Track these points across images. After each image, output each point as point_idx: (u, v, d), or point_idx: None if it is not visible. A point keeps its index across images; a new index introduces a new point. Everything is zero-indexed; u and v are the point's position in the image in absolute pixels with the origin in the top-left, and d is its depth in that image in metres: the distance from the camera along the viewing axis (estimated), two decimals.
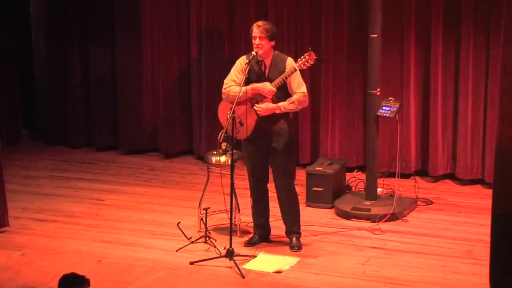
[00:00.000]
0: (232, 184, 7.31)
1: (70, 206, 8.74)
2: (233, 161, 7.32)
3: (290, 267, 7.22)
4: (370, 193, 8.47)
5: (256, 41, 7.32)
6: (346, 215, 8.35)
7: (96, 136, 10.79)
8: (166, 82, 10.35)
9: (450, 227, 8.13)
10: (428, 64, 9.28)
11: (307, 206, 8.59)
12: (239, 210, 7.81)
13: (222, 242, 7.48)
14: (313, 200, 8.64)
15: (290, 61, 7.38)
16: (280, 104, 7.34)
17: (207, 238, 7.64)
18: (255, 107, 7.35)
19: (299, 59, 7.37)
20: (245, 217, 7.94)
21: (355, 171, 9.53)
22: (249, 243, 7.64)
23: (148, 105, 10.49)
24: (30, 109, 11.41)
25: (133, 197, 9.02)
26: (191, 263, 7.25)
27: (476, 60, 9.07)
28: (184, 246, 7.59)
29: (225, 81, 7.51)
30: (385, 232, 7.98)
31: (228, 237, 7.32)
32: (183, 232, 7.71)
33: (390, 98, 8.42)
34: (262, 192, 7.65)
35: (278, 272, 7.13)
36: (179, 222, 7.82)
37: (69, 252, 7.48)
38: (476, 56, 9.06)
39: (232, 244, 7.26)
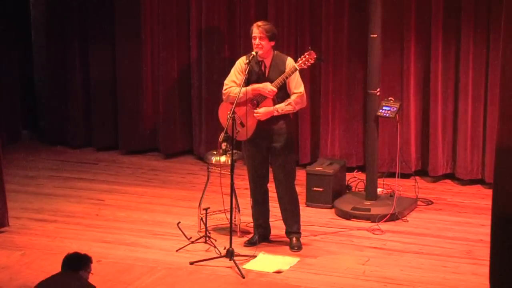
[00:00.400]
0: (232, 184, 7.31)
1: (70, 206, 8.74)
2: (233, 161, 7.32)
3: (290, 267, 7.22)
4: (370, 193, 8.47)
5: (256, 41, 7.32)
6: (346, 215, 8.35)
7: (96, 136, 10.79)
8: (166, 82, 10.35)
9: (450, 227, 8.13)
10: (428, 64, 9.28)
11: (307, 206, 8.59)
12: (239, 210, 7.82)
13: (222, 242, 7.48)
14: (313, 200, 8.64)
15: (290, 61, 7.38)
16: (277, 106, 7.34)
17: (207, 238, 7.64)
18: (254, 113, 7.35)
19: (299, 59, 7.37)
20: (245, 217, 7.94)
21: (355, 171, 9.53)
22: (249, 243, 7.64)
23: (148, 105, 10.49)
24: (30, 109, 11.41)
25: (133, 197, 9.02)
26: (191, 263, 7.25)
27: (476, 60, 9.07)
28: (184, 246, 7.59)
29: (225, 81, 7.50)
30: (385, 232, 7.98)
31: (228, 237, 7.32)
32: (183, 232, 7.71)
33: (390, 98, 8.42)
34: (262, 192, 7.65)
35: (278, 272, 7.13)
36: (179, 222, 7.82)
37: None
38: (476, 56, 9.06)
39: (232, 244, 7.26)
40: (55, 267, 6.99)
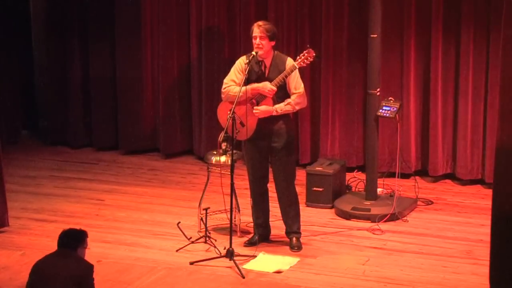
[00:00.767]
0: (232, 184, 7.31)
1: (70, 206, 8.74)
2: (233, 161, 7.32)
3: (290, 267, 7.22)
4: (370, 193, 8.47)
5: (256, 41, 7.32)
6: (346, 215, 8.35)
7: (96, 136, 10.79)
8: (166, 82, 10.35)
9: (450, 227, 8.13)
10: (428, 64, 9.28)
11: (307, 206, 8.59)
12: (239, 210, 7.81)
13: (222, 242, 7.48)
14: (313, 200, 8.64)
15: (290, 61, 7.38)
16: (277, 106, 7.34)
17: (207, 238, 7.64)
18: (253, 110, 7.35)
19: (298, 57, 7.37)
20: (245, 217, 7.94)
21: (355, 171, 9.53)
22: (249, 243, 7.64)
23: (148, 105, 10.49)
24: (30, 109, 11.41)
25: (133, 197, 9.02)
26: (191, 263, 7.25)
27: (476, 60, 9.07)
28: (184, 246, 7.59)
29: (225, 80, 7.51)
30: (385, 232, 7.98)
31: (228, 237, 7.32)
32: (183, 232, 7.71)
33: (390, 98, 8.42)
34: (262, 192, 7.65)
35: (278, 272, 7.13)
36: (179, 222, 7.82)
37: None
38: (476, 56, 9.06)
39: (232, 244, 7.26)
40: None
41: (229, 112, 7.22)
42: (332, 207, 8.57)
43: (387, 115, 8.27)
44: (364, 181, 8.73)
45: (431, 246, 7.66)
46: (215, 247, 7.44)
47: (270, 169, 7.64)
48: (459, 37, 9.11)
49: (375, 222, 8.14)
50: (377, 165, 8.64)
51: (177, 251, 7.54)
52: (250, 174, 7.62)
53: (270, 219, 7.80)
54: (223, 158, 7.80)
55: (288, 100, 7.36)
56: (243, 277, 6.99)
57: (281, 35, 9.24)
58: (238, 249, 7.42)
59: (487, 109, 9.10)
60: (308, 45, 7.44)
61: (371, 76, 8.38)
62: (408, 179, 9.26)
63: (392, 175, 8.88)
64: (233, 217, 7.46)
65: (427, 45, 9.25)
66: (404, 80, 9.37)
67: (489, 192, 6.77)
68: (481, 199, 8.83)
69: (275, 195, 7.65)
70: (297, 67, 7.29)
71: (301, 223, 7.69)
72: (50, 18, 10.84)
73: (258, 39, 7.31)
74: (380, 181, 8.70)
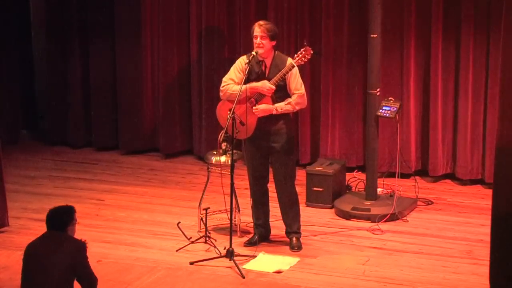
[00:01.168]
0: (232, 184, 7.31)
1: None
2: (233, 161, 7.32)
3: (290, 267, 7.22)
4: (370, 193, 8.47)
5: (257, 41, 7.32)
6: (346, 215, 8.35)
7: (96, 136, 10.79)
8: (166, 82, 10.35)
9: (450, 227, 8.13)
10: (428, 64, 9.28)
11: (307, 206, 8.59)
12: (239, 210, 7.81)
13: (222, 242, 7.48)
14: (313, 200, 8.64)
15: (290, 61, 7.37)
16: (277, 105, 7.34)
17: (207, 238, 7.64)
18: (253, 109, 7.35)
19: (295, 55, 7.36)
20: (245, 217, 7.93)
21: (355, 171, 9.53)
22: (249, 243, 7.64)
23: (148, 105, 10.49)
24: (30, 109, 11.41)
25: (133, 197, 9.02)
26: (191, 263, 7.25)
27: (476, 60, 9.07)
28: (184, 246, 7.59)
29: (224, 79, 7.51)
30: (385, 232, 7.98)
31: (228, 237, 7.32)
32: (183, 232, 7.71)
33: (390, 98, 8.42)
34: (262, 192, 7.65)
35: (278, 272, 7.13)
36: (179, 222, 7.82)
37: None
38: (476, 56, 9.06)
39: (232, 244, 7.25)
40: None
41: (229, 112, 7.22)
42: (332, 207, 8.57)
43: (387, 115, 8.27)
44: (364, 181, 8.73)
45: (431, 246, 7.66)
46: (215, 247, 7.44)
47: (270, 169, 7.64)
48: (459, 37, 9.11)
49: (375, 222, 8.14)
50: (377, 165, 8.64)
51: (177, 251, 7.54)
52: (250, 174, 7.62)
53: (270, 219, 7.80)
54: (223, 158, 7.80)
55: (289, 100, 7.36)
56: (243, 277, 6.99)
57: (281, 34, 9.23)
58: (238, 249, 7.42)
59: (487, 109, 9.10)
60: (305, 43, 7.44)
61: (371, 76, 8.38)
62: (408, 179, 9.26)
63: (392, 175, 8.88)
64: (233, 217, 7.46)
65: (427, 45, 9.25)
66: (404, 80, 9.37)
67: (489, 192, 6.77)
68: (481, 199, 8.83)
69: (275, 195, 7.65)
70: (295, 65, 7.29)
71: (301, 223, 7.69)
72: (50, 18, 10.83)
73: (259, 38, 7.31)
74: (380, 181, 8.69)
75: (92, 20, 10.57)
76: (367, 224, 8.14)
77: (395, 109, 8.28)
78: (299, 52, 7.35)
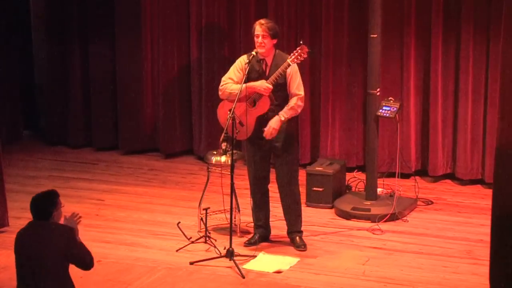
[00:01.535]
0: (232, 184, 7.31)
1: (70, 206, 8.69)
2: (233, 161, 7.32)
3: (290, 267, 7.22)
4: (370, 193, 8.47)
5: (258, 39, 7.31)
6: (346, 215, 8.35)
7: (96, 136, 10.79)
8: (166, 82, 10.35)
9: (450, 227, 8.13)
10: (428, 64, 9.28)
11: (307, 206, 8.58)
12: (239, 210, 7.81)
13: (222, 242, 7.48)
14: (313, 200, 8.64)
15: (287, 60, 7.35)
16: (281, 113, 7.29)
17: (207, 238, 7.64)
18: (264, 133, 7.32)
19: (292, 54, 7.33)
20: (245, 217, 7.93)
21: (355, 171, 9.53)
22: (249, 243, 7.63)
23: (148, 105, 10.49)
24: (30, 109, 11.41)
25: (133, 197, 9.02)
26: (191, 263, 7.25)
27: (476, 60, 9.07)
28: (184, 246, 7.59)
29: (223, 78, 7.50)
30: (385, 232, 7.98)
31: (228, 237, 7.32)
32: (183, 232, 7.71)
33: (390, 98, 8.42)
34: (263, 193, 7.64)
35: (278, 272, 7.13)
36: (179, 222, 7.82)
37: None
38: (476, 56, 9.06)
39: (232, 244, 7.25)
40: None
41: (229, 112, 7.22)
42: (332, 207, 8.57)
43: (387, 115, 8.27)
44: (364, 181, 8.73)
45: (431, 246, 7.66)
46: (215, 247, 7.44)
47: (272, 170, 7.63)
48: (459, 37, 9.11)
49: (375, 222, 8.14)
50: (377, 165, 8.63)
51: (177, 251, 7.54)
52: (251, 175, 7.61)
53: (270, 219, 7.79)
54: (223, 158, 7.80)
55: (291, 104, 7.33)
56: (243, 277, 6.99)
57: (281, 34, 9.19)
58: (238, 249, 7.42)
59: (487, 109, 9.10)
60: (301, 41, 7.41)
61: (371, 76, 8.37)
62: (408, 179, 9.26)
63: (392, 175, 8.87)
64: (233, 217, 7.46)
65: (427, 45, 9.25)
66: (404, 80, 9.37)
67: (489, 192, 6.77)
68: (481, 199, 8.82)
69: (275, 195, 7.65)
70: (291, 64, 7.26)
71: (302, 222, 7.68)
72: (50, 18, 10.84)
73: (260, 37, 7.30)
74: (380, 181, 8.69)
75: (92, 20, 10.57)
76: (367, 224, 8.14)
77: (395, 109, 8.28)
78: (295, 51, 7.32)
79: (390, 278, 7.00)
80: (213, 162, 7.88)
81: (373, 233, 7.98)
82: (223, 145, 7.73)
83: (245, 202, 7.99)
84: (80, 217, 5.73)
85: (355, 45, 9.45)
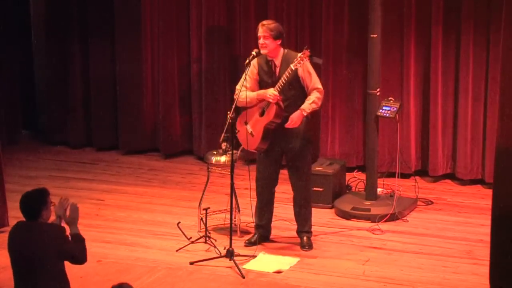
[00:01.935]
0: (232, 184, 7.31)
1: None
2: (233, 161, 7.32)
3: (290, 267, 7.22)
4: (370, 193, 8.47)
5: (260, 41, 7.30)
6: (346, 215, 8.35)
7: (96, 136, 10.79)
8: (166, 82, 10.35)
9: (450, 227, 8.13)
10: (428, 64, 9.28)
11: None
12: (239, 210, 7.81)
13: (222, 242, 7.48)
14: (313, 200, 8.57)
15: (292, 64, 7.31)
16: (303, 107, 7.24)
17: (207, 238, 7.64)
18: (286, 125, 7.29)
19: (295, 59, 7.27)
20: (245, 217, 7.93)
21: (355, 171, 9.53)
22: (250, 243, 7.63)
23: (148, 105, 10.49)
24: (30, 109, 11.41)
25: (133, 197, 9.02)
26: (191, 263, 7.25)
27: (476, 60, 9.07)
28: (184, 246, 7.59)
29: (237, 86, 7.47)
30: (385, 232, 7.98)
31: (228, 237, 7.32)
32: (183, 232, 7.71)
33: (390, 98, 8.42)
34: (269, 195, 7.60)
35: (278, 272, 7.13)
36: (179, 222, 7.81)
37: None
38: (476, 56, 9.06)
39: (232, 244, 7.25)
40: None
41: (229, 112, 7.23)
42: (332, 207, 8.57)
43: (387, 115, 8.27)
44: (364, 181, 8.73)
45: (431, 246, 7.66)
46: (215, 247, 7.44)
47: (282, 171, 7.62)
48: (459, 37, 9.11)
49: (375, 222, 8.14)
50: (377, 165, 8.63)
51: (177, 251, 7.54)
52: (260, 175, 7.55)
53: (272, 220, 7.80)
54: (223, 158, 7.80)
55: (312, 98, 7.26)
56: (243, 277, 6.99)
57: None
58: (238, 249, 7.42)
59: (487, 109, 9.10)
60: (306, 46, 7.38)
61: (371, 76, 8.37)
62: (408, 179, 9.26)
63: (392, 175, 8.87)
64: (233, 217, 7.46)
65: (427, 45, 9.25)
66: (404, 80, 9.37)
67: (489, 192, 6.77)
68: (481, 199, 8.83)
69: (280, 196, 7.63)
70: (293, 68, 7.21)
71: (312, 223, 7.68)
72: (50, 18, 10.84)
73: (261, 38, 7.29)
74: (380, 181, 8.69)
75: (92, 20, 10.57)
76: (367, 224, 8.15)
77: (395, 109, 8.28)
78: (298, 56, 7.24)
79: (390, 278, 7.00)
80: (213, 162, 7.88)
81: (373, 233, 7.98)
82: (223, 145, 7.74)
83: (245, 202, 7.98)
84: (66, 199, 5.67)
85: (355, 45, 9.45)
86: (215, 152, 7.93)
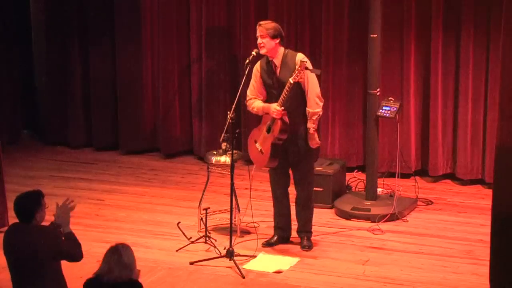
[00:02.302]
0: (232, 184, 7.31)
1: None
2: (233, 161, 7.32)
3: (290, 267, 7.22)
4: (370, 193, 8.47)
5: (258, 41, 7.30)
6: (346, 215, 8.35)
7: (96, 136, 10.79)
8: (166, 82, 10.35)
9: (450, 227, 8.13)
10: (428, 64, 9.28)
11: None
12: (239, 210, 7.81)
13: (222, 242, 7.49)
14: (313, 200, 8.62)
15: (299, 56, 7.25)
16: (309, 126, 7.24)
17: (207, 238, 7.64)
18: (310, 144, 7.30)
19: (293, 72, 7.16)
20: (245, 217, 7.92)
21: (355, 171, 9.53)
22: (268, 244, 7.61)
23: (148, 105, 10.50)
24: (30, 109, 11.41)
25: (133, 197, 9.02)
26: (191, 263, 7.25)
27: (476, 60, 9.07)
28: (184, 246, 7.59)
29: (247, 92, 7.45)
30: (385, 232, 7.98)
31: (228, 237, 7.32)
32: (183, 232, 7.71)
33: (390, 98, 8.42)
34: (283, 195, 7.60)
35: (278, 272, 7.13)
36: (179, 222, 7.81)
37: None
38: (476, 56, 9.06)
39: (232, 244, 7.25)
40: None
41: (229, 112, 7.24)
42: (332, 207, 8.57)
43: (387, 115, 8.27)
44: (364, 181, 8.73)
45: (431, 246, 7.66)
46: (215, 247, 7.44)
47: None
48: (459, 37, 9.11)
49: (375, 222, 8.14)
50: (377, 165, 8.64)
51: (177, 251, 7.55)
52: (273, 179, 7.55)
53: (268, 220, 7.78)
54: (223, 158, 7.80)
55: (309, 111, 7.24)
56: (243, 277, 7.00)
57: None
58: (238, 249, 7.42)
59: (487, 109, 9.10)
60: (303, 60, 7.20)
61: (371, 76, 8.37)
62: (408, 179, 9.26)
63: (392, 175, 8.88)
64: (233, 217, 7.46)
65: (427, 45, 9.25)
66: (404, 80, 9.37)
67: (489, 192, 6.77)
68: (481, 199, 8.83)
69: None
70: (292, 82, 7.16)
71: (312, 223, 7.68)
72: (50, 18, 10.84)
73: (259, 38, 7.29)
74: (380, 181, 8.70)
75: (92, 20, 10.57)
76: (367, 224, 8.15)
77: (395, 109, 8.28)
78: (296, 69, 7.12)
79: (390, 278, 7.00)
80: (213, 162, 7.88)
81: (373, 233, 7.98)
82: (223, 145, 7.75)
83: (245, 202, 7.98)
84: (72, 201, 5.67)
85: (355, 45, 9.45)
86: (215, 152, 7.93)
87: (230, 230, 7.33)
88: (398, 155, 8.50)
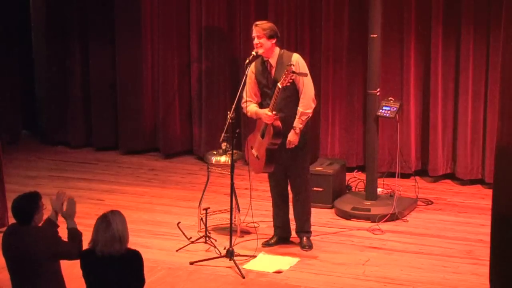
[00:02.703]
0: (232, 184, 7.31)
1: None
2: (233, 161, 7.32)
3: (290, 267, 7.22)
4: (370, 193, 8.47)
5: (255, 41, 7.30)
6: (346, 215, 8.35)
7: (96, 136, 10.79)
8: (166, 83, 10.35)
9: (450, 227, 8.13)
10: (428, 64, 9.29)
11: None
12: (239, 210, 7.81)
13: (222, 242, 7.49)
14: (313, 200, 8.58)
15: (295, 57, 7.25)
16: (295, 125, 7.21)
17: (207, 238, 7.64)
18: (287, 146, 7.28)
19: (281, 77, 7.14)
20: (245, 217, 7.92)
21: (355, 171, 9.53)
22: (267, 244, 7.61)
23: (148, 105, 10.50)
24: (30, 109, 11.41)
25: (133, 197, 9.02)
26: (191, 263, 7.25)
27: (476, 60, 9.07)
28: (184, 246, 7.59)
29: (243, 94, 7.43)
30: (385, 232, 7.98)
31: (228, 237, 7.32)
32: (183, 232, 7.71)
33: (390, 98, 8.42)
34: (282, 198, 7.60)
35: (278, 272, 7.13)
36: (179, 222, 7.82)
37: None
38: (476, 56, 9.06)
39: (232, 244, 7.25)
40: None
41: (229, 112, 7.24)
42: (332, 207, 8.57)
43: (387, 115, 8.27)
44: (364, 181, 8.73)
45: (431, 246, 7.66)
46: (215, 247, 7.44)
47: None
48: (459, 37, 9.11)
49: (375, 222, 8.14)
50: (377, 165, 8.64)
51: (177, 251, 7.55)
52: (272, 180, 7.56)
53: (268, 220, 7.78)
54: (223, 158, 7.80)
55: (300, 110, 7.24)
56: (243, 277, 6.99)
57: (281, 35, 9.20)
58: (238, 249, 7.42)
59: (487, 109, 9.10)
60: (290, 63, 7.11)
61: (371, 76, 8.37)
62: (408, 179, 9.27)
63: (392, 175, 8.88)
64: (233, 217, 7.46)
65: (427, 45, 9.25)
66: (404, 80, 9.37)
67: (489, 192, 6.77)
68: (481, 199, 8.83)
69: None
70: (280, 87, 7.10)
71: (311, 223, 7.68)
72: (50, 19, 10.85)
73: (256, 38, 7.29)
74: (380, 181, 8.70)
75: (92, 20, 10.58)
76: (367, 224, 8.15)
77: (395, 109, 8.28)
78: (283, 74, 7.08)
79: (390, 278, 7.00)
80: (213, 162, 7.88)
81: (373, 233, 7.98)
82: (223, 145, 7.75)
83: (245, 202, 7.99)
84: (64, 192, 5.68)
85: (355, 45, 9.45)
86: (215, 152, 7.93)
87: (230, 230, 7.33)
88: (398, 155, 8.50)
